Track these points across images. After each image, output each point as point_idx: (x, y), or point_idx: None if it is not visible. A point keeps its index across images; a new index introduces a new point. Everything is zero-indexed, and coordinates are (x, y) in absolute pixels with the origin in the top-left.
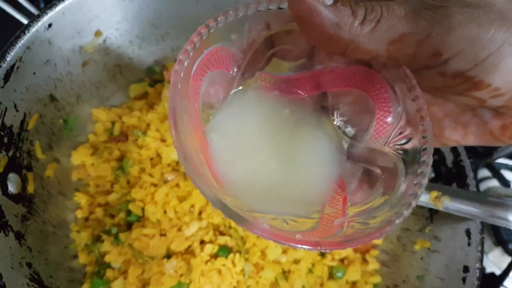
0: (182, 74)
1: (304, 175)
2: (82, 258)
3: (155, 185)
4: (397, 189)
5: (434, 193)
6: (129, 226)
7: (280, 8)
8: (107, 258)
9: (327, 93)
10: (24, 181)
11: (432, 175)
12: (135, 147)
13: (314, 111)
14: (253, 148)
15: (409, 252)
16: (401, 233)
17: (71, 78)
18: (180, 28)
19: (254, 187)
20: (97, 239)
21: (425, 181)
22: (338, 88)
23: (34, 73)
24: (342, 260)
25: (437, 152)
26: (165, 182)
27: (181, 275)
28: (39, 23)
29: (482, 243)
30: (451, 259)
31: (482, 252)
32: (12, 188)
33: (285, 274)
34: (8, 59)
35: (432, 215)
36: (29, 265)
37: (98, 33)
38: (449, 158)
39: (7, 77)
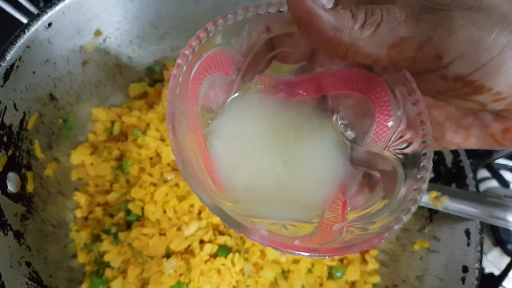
0: (180, 79)
1: (305, 179)
2: (82, 258)
3: (154, 184)
4: (396, 194)
5: (434, 193)
6: (128, 226)
7: (279, 12)
8: (106, 258)
9: (328, 96)
10: (23, 180)
11: (432, 175)
12: (135, 146)
13: (315, 114)
14: (253, 152)
15: (408, 252)
16: (400, 233)
17: (71, 77)
18: (180, 28)
19: (255, 192)
20: (97, 239)
21: (424, 187)
22: (339, 91)
23: (33, 72)
24: (341, 260)
25: (437, 152)
26: (165, 181)
27: (181, 275)
28: (39, 22)
29: (481, 243)
30: (451, 259)
31: (481, 252)
32: (11, 187)
33: (285, 274)
34: (7, 58)
35: (431, 215)
36: (28, 264)
37: (98, 33)
38: (449, 158)
39: (6, 76)
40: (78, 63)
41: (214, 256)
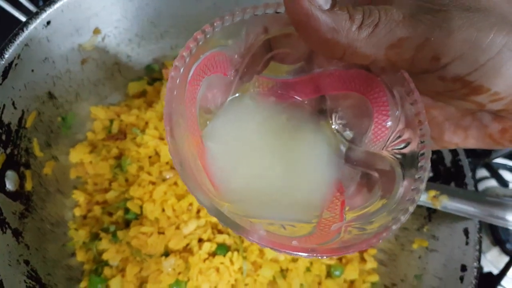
0: (178, 80)
1: (303, 179)
2: (80, 256)
3: (153, 183)
4: (395, 194)
5: (432, 192)
6: (127, 224)
7: (277, 13)
8: (105, 256)
9: (326, 97)
10: (22, 178)
11: (431, 174)
12: (134, 145)
13: (312, 115)
14: (251, 153)
15: (407, 251)
16: (399, 232)
17: (69, 76)
18: (180, 26)
19: (252, 192)
20: (95, 237)
21: (422, 187)
22: (337, 92)
23: (32, 70)
24: (340, 259)
25: (436, 151)
26: (163, 180)
27: (179, 273)
28: (38, 21)
29: (480, 242)
30: (449, 258)
31: (480, 251)
32: (10, 186)
33: (283, 272)
34: (6, 56)
35: (430, 214)
36: (26, 262)
37: (97, 31)
38: (448, 157)
39: (5, 74)
40: (77, 61)
41: (212, 254)
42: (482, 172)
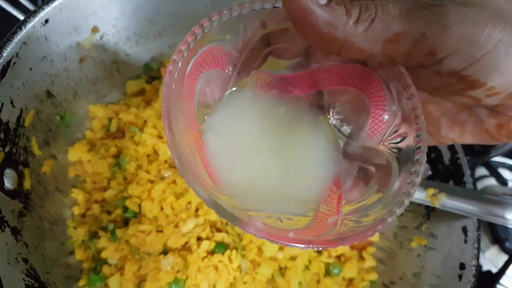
0: (176, 74)
1: (301, 173)
2: (79, 254)
3: (152, 181)
4: (390, 187)
5: (431, 191)
6: (125, 223)
7: (275, 7)
8: (103, 254)
9: (323, 92)
10: (20, 177)
11: (429, 172)
12: (132, 143)
13: (310, 109)
14: (249, 148)
15: (405, 249)
16: (397, 230)
17: (68, 74)
18: (178, 25)
19: (251, 186)
20: (94, 236)
21: (418, 180)
22: (334, 87)
23: (30, 69)
24: (338, 257)
25: (434, 149)
26: (162, 178)
27: (178, 271)
28: (36, 19)
29: (478, 241)
30: (448, 257)
31: (478, 249)
32: (8, 184)
33: (282, 270)
34: (4, 54)
35: (429, 212)
36: (25, 260)
37: (95, 29)
38: (446, 155)
39: (3, 72)
40: (75, 60)
41: (211, 253)
42: (481, 171)
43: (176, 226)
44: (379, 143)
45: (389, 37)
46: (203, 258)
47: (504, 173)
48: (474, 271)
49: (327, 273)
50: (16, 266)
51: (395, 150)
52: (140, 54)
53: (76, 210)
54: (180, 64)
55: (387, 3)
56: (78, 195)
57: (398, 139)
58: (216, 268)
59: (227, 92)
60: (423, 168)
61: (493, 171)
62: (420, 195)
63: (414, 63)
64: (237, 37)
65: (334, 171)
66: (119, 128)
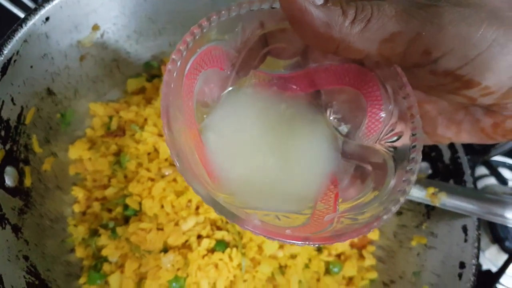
0: (175, 73)
1: (299, 171)
2: (79, 252)
3: (152, 179)
4: (386, 185)
5: (431, 190)
6: (126, 220)
7: (273, 8)
8: (104, 252)
9: (321, 91)
10: (21, 174)
11: (429, 171)
12: (133, 141)
13: (309, 108)
14: (248, 146)
15: (405, 248)
16: (397, 229)
17: (68, 72)
18: (178, 23)
19: (249, 184)
20: (94, 233)
21: (413, 178)
22: (332, 86)
23: (31, 66)
24: (338, 256)
25: (435, 148)
26: (162, 176)
27: (178, 269)
28: (36, 17)
29: (478, 240)
30: (448, 255)
31: (478, 248)
32: (9, 181)
33: (282, 269)
34: (5, 52)
35: (429, 211)
36: (26, 258)
37: (95, 27)
38: (446, 154)
39: (4, 70)
40: (75, 57)
41: (211, 251)
42: (481, 170)
43: (177, 224)
44: (376, 142)
45: (385, 37)
46: (203, 256)
47: (504, 172)
48: (474, 270)
49: (327, 271)
50: (17, 263)
51: (391, 149)
52: (141, 52)
53: (77, 208)
54: (179, 63)
55: (383, 3)
56: (78, 193)
57: (394, 138)
58: (216, 266)
59: (226, 92)
60: (418, 166)
61: (493, 170)
62: (420, 194)
63: (410, 63)
64: (235, 37)
65: (331, 169)
66: (120, 126)
